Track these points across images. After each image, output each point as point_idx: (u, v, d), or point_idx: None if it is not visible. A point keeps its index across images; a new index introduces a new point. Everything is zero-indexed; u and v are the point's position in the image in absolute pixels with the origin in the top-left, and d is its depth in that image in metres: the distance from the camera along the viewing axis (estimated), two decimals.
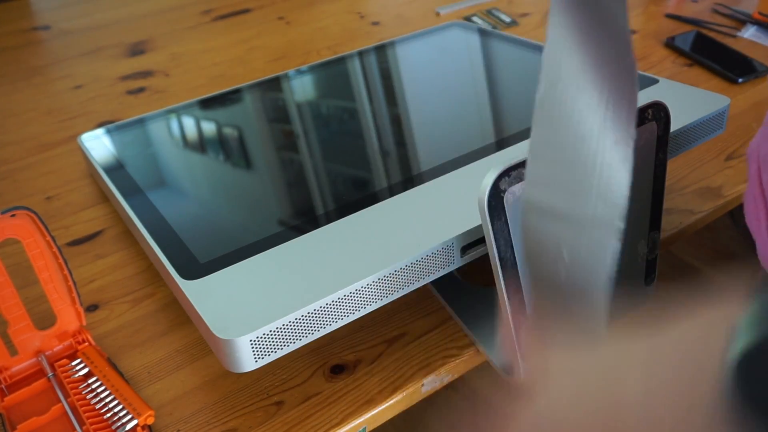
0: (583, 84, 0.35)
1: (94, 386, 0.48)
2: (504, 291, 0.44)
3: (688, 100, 0.62)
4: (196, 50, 1.02)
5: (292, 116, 0.74)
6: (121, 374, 0.49)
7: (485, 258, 0.45)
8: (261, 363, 0.43)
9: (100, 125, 0.82)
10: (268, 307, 0.43)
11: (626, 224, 0.49)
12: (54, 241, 0.49)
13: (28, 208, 0.48)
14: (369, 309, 0.46)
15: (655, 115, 0.47)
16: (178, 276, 0.48)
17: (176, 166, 0.65)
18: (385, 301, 0.47)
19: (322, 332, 0.45)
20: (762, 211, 0.48)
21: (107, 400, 0.47)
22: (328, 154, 0.65)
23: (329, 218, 0.52)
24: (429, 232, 0.49)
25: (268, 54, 0.99)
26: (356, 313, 0.46)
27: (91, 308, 0.56)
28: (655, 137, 0.48)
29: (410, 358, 0.52)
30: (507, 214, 0.42)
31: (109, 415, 0.46)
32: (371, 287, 0.46)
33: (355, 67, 0.82)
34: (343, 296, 0.44)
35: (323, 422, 0.47)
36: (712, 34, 0.99)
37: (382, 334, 0.54)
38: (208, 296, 0.45)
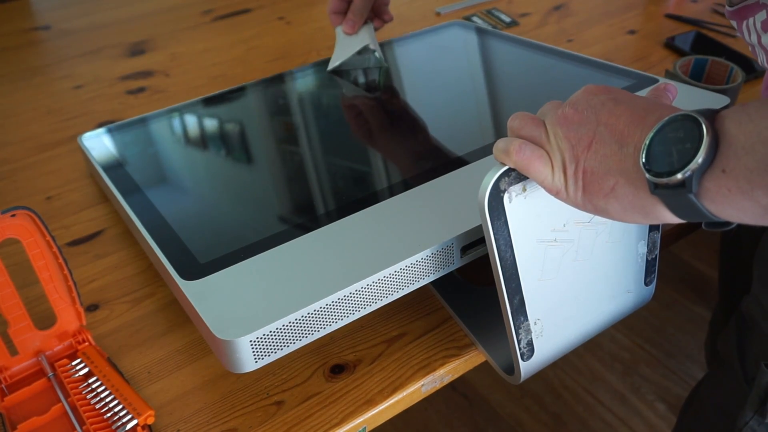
0: None
1: (94, 386, 0.48)
2: (504, 291, 0.44)
3: (688, 99, 0.62)
4: (196, 50, 1.02)
5: (291, 116, 0.74)
6: (121, 374, 0.49)
7: (485, 258, 0.45)
8: (261, 363, 0.43)
9: (100, 125, 0.82)
10: (268, 307, 0.43)
11: (626, 224, 0.49)
12: (54, 241, 0.49)
13: (28, 208, 0.48)
14: (369, 309, 0.46)
15: None
16: (178, 276, 0.48)
17: (176, 167, 0.65)
18: (385, 301, 0.47)
19: (322, 333, 0.45)
20: None
21: (107, 400, 0.47)
22: (328, 155, 0.65)
23: (329, 218, 0.52)
24: (429, 232, 0.49)
25: (268, 54, 0.99)
26: (356, 313, 0.46)
27: (91, 308, 0.56)
28: None
29: (410, 358, 0.52)
30: (507, 214, 0.42)
31: (109, 415, 0.46)
32: (371, 287, 0.46)
33: None
34: (342, 296, 0.44)
35: (323, 422, 0.47)
36: (712, 34, 0.99)
37: (382, 334, 0.54)
38: (208, 296, 0.45)
